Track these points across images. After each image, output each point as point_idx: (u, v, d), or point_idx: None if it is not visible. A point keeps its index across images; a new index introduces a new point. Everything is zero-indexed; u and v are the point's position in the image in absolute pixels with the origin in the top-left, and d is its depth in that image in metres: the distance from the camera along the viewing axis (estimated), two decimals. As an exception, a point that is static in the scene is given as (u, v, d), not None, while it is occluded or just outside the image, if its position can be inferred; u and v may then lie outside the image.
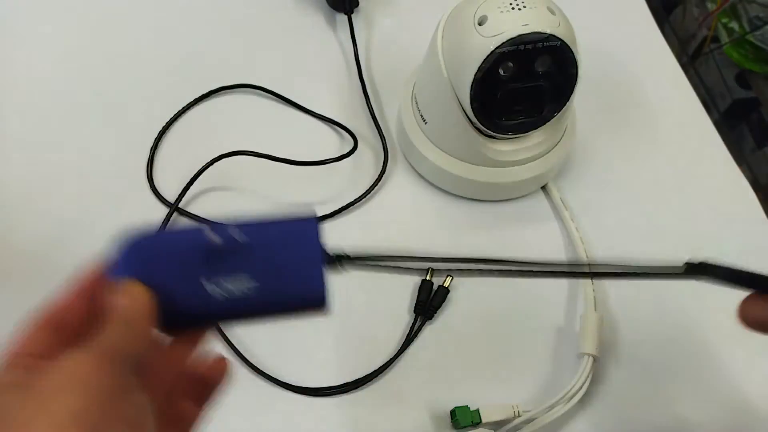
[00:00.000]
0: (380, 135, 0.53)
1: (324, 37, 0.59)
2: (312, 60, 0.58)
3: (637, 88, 0.56)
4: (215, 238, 0.27)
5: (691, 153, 0.53)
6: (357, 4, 0.59)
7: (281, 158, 0.49)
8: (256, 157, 0.49)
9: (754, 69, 0.80)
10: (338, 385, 0.43)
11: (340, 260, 0.29)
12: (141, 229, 0.27)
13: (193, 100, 0.55)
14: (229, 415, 0.42)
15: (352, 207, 0.50)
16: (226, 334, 0.44)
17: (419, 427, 0.42)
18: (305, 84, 0.56)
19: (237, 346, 0.44)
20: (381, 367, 0.43)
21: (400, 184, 0.51)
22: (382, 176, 0.51)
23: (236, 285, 0.27)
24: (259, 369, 0.43)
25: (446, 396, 0.43)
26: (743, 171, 0.53)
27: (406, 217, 0.50)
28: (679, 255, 0.48)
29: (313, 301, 0.28)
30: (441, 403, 0.42)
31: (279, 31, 0.59)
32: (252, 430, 0.42)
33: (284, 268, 0.28)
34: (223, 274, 0.27)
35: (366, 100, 0.54)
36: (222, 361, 0.29)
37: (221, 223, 0.27)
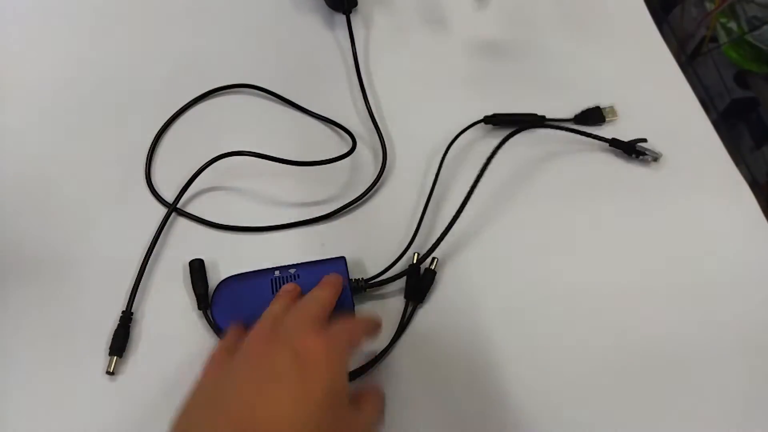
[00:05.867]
0: (378, 135, 0.53)
1: (322, 37, 0.59)
2: (310, 60, 0.58)
3: (636, 88, 0.56)
4: (279, 274, 0.44)
5: (690, 153, 0.53)
6: (355, 4, 0.59)
7: (280, 158, 0.49)
8: (254, 158, 0.49)
9: (753, 69, 0.80)
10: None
11: (358, 283, 0.45)
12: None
13: (192, 101, 0.55)
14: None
15: (351, 207, 0.50)
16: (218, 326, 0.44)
17: (417, 416, 0.42)
18: (304, 84, 0.56)
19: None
20: (379, 354, 0.44)
21: (399, 184, 0.51)
22: (380, 176, 0.51)
23: None
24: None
25: (446, 383, 0.43)
26: (741, 171, 0.53)
27: (407, 217, 0.50)
28: (680, 255, 0.48)
29: (342, 310, 0.43)
30: (441, 390, 0.43)
31: (277, 31, 0.59)
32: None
33: None
34: None
35: (365, 100, 0.54)
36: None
37: (284, 266, 0.45)
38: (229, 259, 0.47)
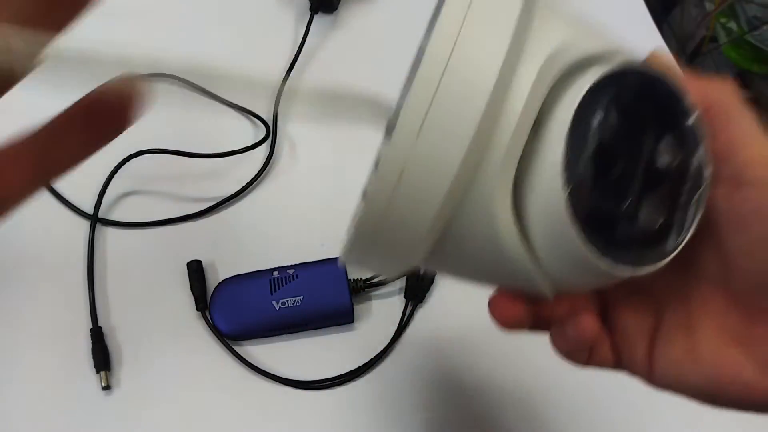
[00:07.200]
0: (273, 120, 0.53)
1: (291, 34, 0.59)
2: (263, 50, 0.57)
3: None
4: (278, 275, 0.44)
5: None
6: (334, 8, 0.59)
7: (189, 152, 0.49)
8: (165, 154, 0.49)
9: (753, 69, 0.80)
10: (333, 377, 0.43)
11: (356, 283, 0.45)
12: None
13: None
14: (222, 410, 0.42)
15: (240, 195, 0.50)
16: (217, 327, 0.44)
17: (418, 416, 0.42)
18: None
19: (228, 341, 0.44)
20: (379, 354, 0.44)
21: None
22: (266, 167, 0.51)
23: (290, 300, 0.43)
24: (250, 363, 0.43)
25: (445, 380, 0.43)
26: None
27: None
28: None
29: (341, 313, 0.44)
30: (440, 388, 0.43)
31: (253, 24, 0.59)
32: (245, 424, 0.42)
33: (322, 290, 0.44)
34: (282, 296, 0.44)
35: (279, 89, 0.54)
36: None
37: (282, 266, 0.45)
38: (227, 260, 0.47)
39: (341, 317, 0.44)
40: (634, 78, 0.22)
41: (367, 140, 0.58)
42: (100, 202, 0.48)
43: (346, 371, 0.43)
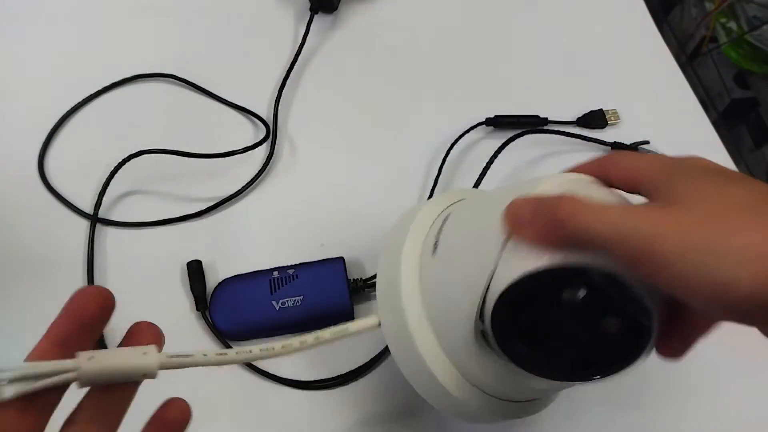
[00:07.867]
0: (274, 120, 0.53)
1: (285, 34, 0.59)
2: (263, 51, 0.57)
3: (636, 88, 0.56)
4: (278, 275, 0.44)
5: (689, 153, 0.53)
6: (333, 8, 0.59)
7: (189, 153, 0.49)
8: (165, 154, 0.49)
9: (753, 69, 0.80)
10: (333, 377, 0.43)
11: (356, 283, 0.45)
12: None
13: (96, 92, 0.54)
14: (222, 411, 0.42)
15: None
16: (217, 327, 0.44)
17: (417, 416, 0.42)
18: (228, 72, 0.56)
19: (228, 341, 0.44)
20: (378, 354, 0.43)
21: (400, 185, 0.51)
22: (268, 162, 0.51)
23: (290, 300, 0.43)
24: (250, 363, 0.43)
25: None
26: (741, 171, 0.52)
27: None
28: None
29: (341, 313, 0.43)
30: None
31: (247, 25, 0.59)
32: (245, 424, 0.42)
33: (322, 290, 0.44)
34: (282, 296, 0.43)
35: (279, 89, 0.54)
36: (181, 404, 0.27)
37: (282, 266, 0.44)
38: (225, 260, 0.47)
39: (341, 317, 0.44)
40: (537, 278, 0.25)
41: (367, 140, 0.58)
42: (100, 202, 0.48)
43: (345, 371, 0.43)
